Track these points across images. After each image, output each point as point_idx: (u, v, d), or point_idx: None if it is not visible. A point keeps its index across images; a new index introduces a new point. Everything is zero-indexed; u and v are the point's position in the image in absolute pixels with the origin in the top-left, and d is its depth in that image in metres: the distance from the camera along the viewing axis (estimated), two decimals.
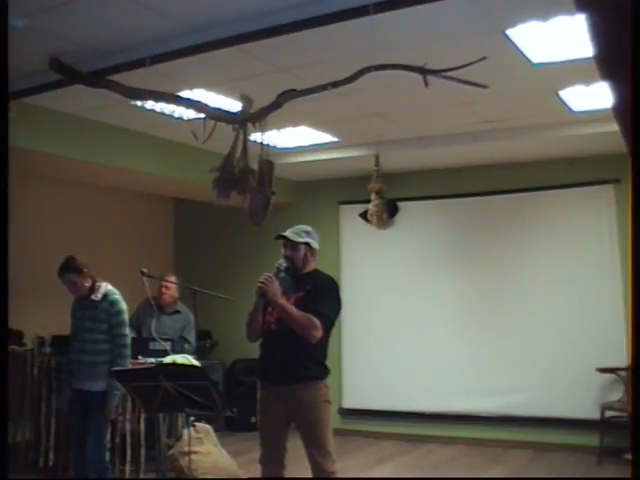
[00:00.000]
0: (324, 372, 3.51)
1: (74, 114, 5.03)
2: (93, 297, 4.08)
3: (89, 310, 4.09)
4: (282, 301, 3.36)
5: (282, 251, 3.58)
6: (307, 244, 3.58)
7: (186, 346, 5.48)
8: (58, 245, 6.03)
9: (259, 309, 3.50)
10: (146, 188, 7.07)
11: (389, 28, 3.49)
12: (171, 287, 5.46)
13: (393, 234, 6.99)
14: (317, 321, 3.32)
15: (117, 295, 4.14)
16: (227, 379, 7.41)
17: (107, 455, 4.67)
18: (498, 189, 6.66)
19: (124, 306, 4.14)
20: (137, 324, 5.40)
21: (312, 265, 3.66)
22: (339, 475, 3.48)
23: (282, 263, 3.52)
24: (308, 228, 3.66)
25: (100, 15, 3.39)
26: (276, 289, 3.34)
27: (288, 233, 3.58)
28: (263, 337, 3.57)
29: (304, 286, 3.50)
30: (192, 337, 5.50)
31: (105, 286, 4.13)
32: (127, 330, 4.13)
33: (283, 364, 3.42)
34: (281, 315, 3.38)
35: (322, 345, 3.46)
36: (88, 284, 4.08)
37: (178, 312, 5.53)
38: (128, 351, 4.12)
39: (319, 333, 3.34)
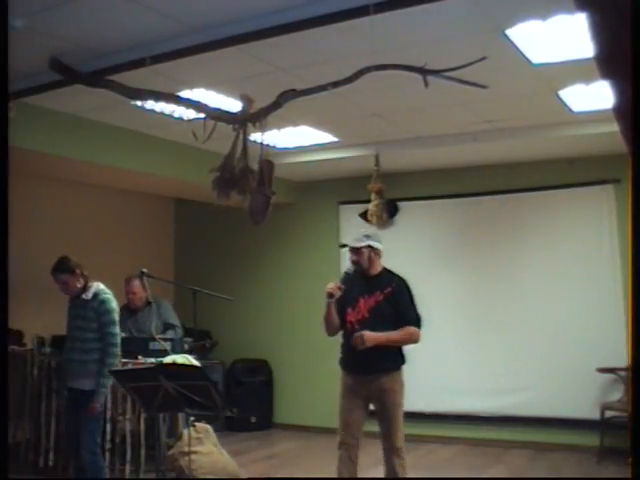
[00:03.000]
0: (402, 361, 4.02)
1: (74, 114, 5.03)
2: (84, 296, 4.15)
3: (80, 309, 4.16)
4: (382, 338, 3.82)
5: (349, 257, 4.04)
6: (369, 247, 3.98)
7: (178, 330, 5.52)
8: (58, 245, 6.03)
9: (331, 308, 3.94)
10: (146, 188, 7.07)
11: (389, 28, 3.49)
12: (137, 291, 5.49)
13: (393, 234, 6.97)
14: (415, 329, 3.91)
15: (108, 295, 4.19)
16: (227, 379, 7.41)
17: (106, 455, 4.69)
18: (498, 189, 6.66)
19: (114, 305, 4.18)
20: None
21: (379, 264, 4.07)
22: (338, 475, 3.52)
23: (350, 268, 4.02)
24: (369, 232, 4.12)
25: (100, 15, 3.39)
26: (371, 339, 3.76)
27: (349, 241, 4.04)
28: (347, 335, 3.99)
29: (381, 288, 3.95)
30: (175, 319, 5.57)
31: (97, 286, 4.19)
32: (116, 329, 4.16)
33: (367, 358, 3.83)
34: (386, 344, 3.84)
35: None
36: (80, 284, 4.15)
37: (149, 303, 5.54)
38: (117, 350, 4.15)
39: (419, 336, 3.94)
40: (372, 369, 3.90)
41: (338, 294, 3.89)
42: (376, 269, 4.03)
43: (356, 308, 3.96)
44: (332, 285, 3.88)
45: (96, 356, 4.09)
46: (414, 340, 3.92)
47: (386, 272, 4.08)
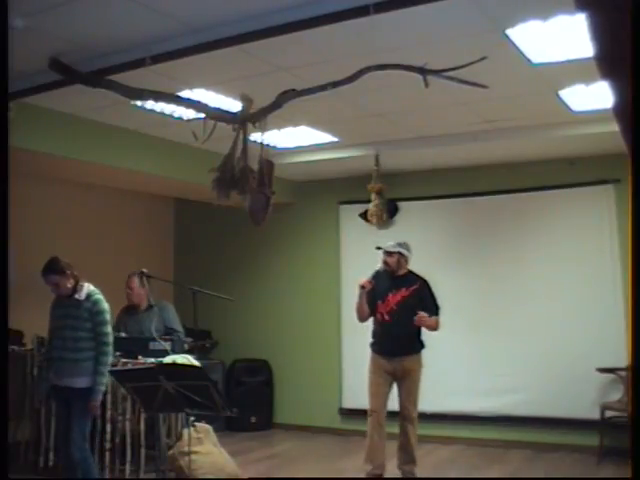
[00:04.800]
0: (422, 346, 5.05)
1: (74, 114, 5.02)
2: (77, 296, 4.17)
3: (72, 309, 4.18)
4: (431, 322, 4.88)
5: (382, 258, 5.01)
6: (399, 253, 4.99)
7: (180, 336, 5.51)
8: (58, 245, 6.04)
9: (362, 299, 4.93)
10: (146, 188, 7.07)
11: (389, 28, 3.49)
12: (134, 287, 5.48)
13: (393, 234, 6.96)
14: (438, 318, 4.94)
15: (99, 295, 4.25)
16: (227, 379, 7.41)
17: (106, 455, 4.69)
18: (498, 189, 6.66)
19: (106, 306, 4.24)
20: (118, 326, 5.40)
21: (406, 268, 5.06)
22: (338, 476, 3.53)
23: (381, 267, 5.00)
24: (402, 242, 5.08)
25: (100, 15, 3.39)
26: (429, 323, 4.87)
27: (385, 246, 5.02)
28: (377, 323, 5.01)
29: (407, 285, 4.97)
30: (177, 325, 5.55)
31: (88, 286, 4.24)
32: (109, 329, 4.23)
33: (396, 343, 4.94)
34: (430, 330, 4.97)
35: (420, 327, 4.93)
36: (71, 284, 4.18)
37: (151, 306, 5.52)
38: (110, 349, 4.21)
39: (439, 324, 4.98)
40: (399, 352, 4.92)
41: (369, 287, 4.87)
42: (403, 271, 5.02)
43: (385, 301, 4.92)
44: (364, 280, 4.89)
45: (89, 354, 4.14)
46: (438, 327, 4.93)
47: (410, 273, 5.06)
